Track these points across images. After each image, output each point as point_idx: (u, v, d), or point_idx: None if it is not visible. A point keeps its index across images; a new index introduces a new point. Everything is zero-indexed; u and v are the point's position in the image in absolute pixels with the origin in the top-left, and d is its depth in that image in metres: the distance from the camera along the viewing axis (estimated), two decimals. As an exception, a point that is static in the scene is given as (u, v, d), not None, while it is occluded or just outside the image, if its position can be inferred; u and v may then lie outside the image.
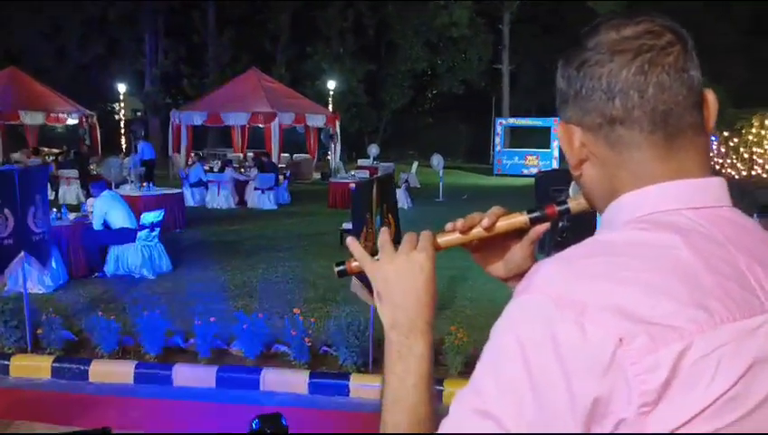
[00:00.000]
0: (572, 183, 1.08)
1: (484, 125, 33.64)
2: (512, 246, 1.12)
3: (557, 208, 1.03)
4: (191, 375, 5.62)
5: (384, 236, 1.06)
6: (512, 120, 28.22)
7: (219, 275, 9.01)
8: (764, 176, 11.10)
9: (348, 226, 11.21)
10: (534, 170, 25.65)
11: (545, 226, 1.06)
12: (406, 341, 0.96)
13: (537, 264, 0.84)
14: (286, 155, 22.44)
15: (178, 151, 21.51)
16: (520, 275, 1.16)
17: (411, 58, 31.36)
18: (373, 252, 1.03)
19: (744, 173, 12.16)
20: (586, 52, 0.86)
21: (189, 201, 15.37)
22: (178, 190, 14.31)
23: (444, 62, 32.69)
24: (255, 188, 16.55)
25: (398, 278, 0.99)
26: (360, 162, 22.91)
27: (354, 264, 1.08)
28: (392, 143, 32.16)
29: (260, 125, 21.58)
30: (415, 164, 20.98)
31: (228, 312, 6.96)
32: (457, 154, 30.32)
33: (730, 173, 13.08)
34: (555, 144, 25.39)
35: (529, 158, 26.12)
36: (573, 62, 0.87)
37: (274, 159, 19.31)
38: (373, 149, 24.09)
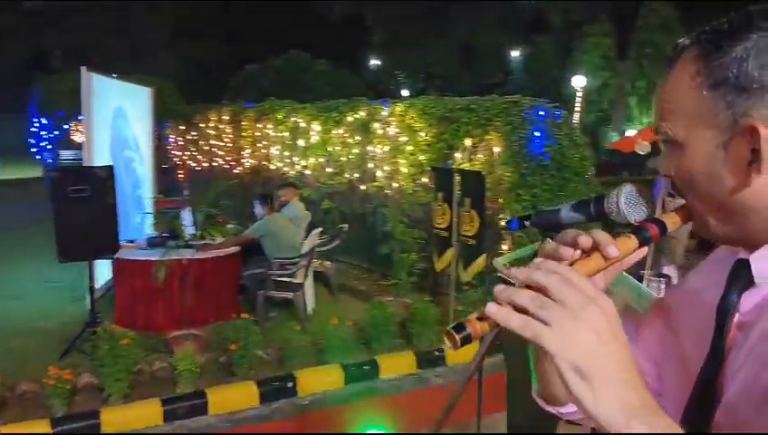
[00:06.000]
0: (623, 192, 0.95)
1: None
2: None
3: (658, 229, 0.87)
4: None
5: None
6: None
7: None
8: (226, 167, 11.74)
9: None
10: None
11: (644, 250, 0.87)
12: (660, 427, 0.68)
13: None
14: None
15: None
16: None
17: None
18: None
19: (206, 164, 12.70)
20: None
21: None
22: None
23: None
24: None
25: (601, 343, 0.70)
26: None
27: (481, 325, 0.72)
28: None
29: None
30: None
31: None
32: None
33: (191, 164, 13.49)
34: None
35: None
36: None
37: None
38: None
